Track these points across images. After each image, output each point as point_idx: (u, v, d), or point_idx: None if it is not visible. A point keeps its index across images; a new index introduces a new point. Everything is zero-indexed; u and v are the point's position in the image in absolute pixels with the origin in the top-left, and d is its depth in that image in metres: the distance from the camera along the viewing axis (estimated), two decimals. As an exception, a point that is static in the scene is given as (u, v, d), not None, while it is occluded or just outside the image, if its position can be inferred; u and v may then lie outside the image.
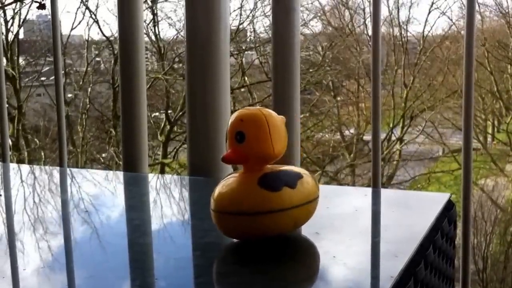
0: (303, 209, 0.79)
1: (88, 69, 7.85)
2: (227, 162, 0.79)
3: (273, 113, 0.79)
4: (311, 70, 7.82)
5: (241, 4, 7.61)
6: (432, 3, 8.29)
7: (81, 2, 7.33)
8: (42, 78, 7.69)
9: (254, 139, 0.77)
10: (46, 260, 0.83)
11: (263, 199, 0.76)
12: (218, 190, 0.79)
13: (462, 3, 7.74)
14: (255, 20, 7.69)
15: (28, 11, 7.25)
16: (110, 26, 7.66)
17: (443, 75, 8.41)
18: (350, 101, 8.65)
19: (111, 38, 7.36)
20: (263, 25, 8.04)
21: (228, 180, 0.80)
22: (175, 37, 7.66)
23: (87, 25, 7.82)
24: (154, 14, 7.42)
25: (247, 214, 0.76)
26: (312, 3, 8.16)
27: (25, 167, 1.71)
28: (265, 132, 0.77)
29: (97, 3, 8.27)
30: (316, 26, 8.76)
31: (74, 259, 0.86)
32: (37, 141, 7.48)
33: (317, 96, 8.22)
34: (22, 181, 1.28)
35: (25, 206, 1.07)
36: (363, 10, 8.41)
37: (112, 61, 7.43)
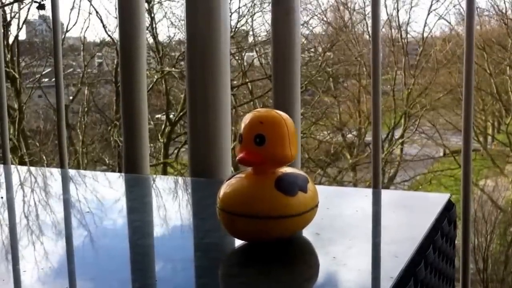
0: (311, 213, 0.79)
1: (90, 70, 7.86)
2: (244, 164, 0.77)
3: (289, 116, 0.79)
4: (312, 72, 7.81)
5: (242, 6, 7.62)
6: (431, 6, 8.32)
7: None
8: (44, 80, 7.69)
9: (274, 142, 0.76)
10: (47, 262, 0.83)
11: (280, 204, 0.75)
12: (226, 189, 0.78)
13: (461, 7, 7.76)
14: (253, 19, 7.70)
15: (28, 11, 7.25)
16: (111, 27, 7.66)
17: (443, 75, 8.43)
18: (350, 101, 8.65)
19: (114, 38, 7.36)
20: (261, 24, 8.05)
21: (236, 179, 0.78)
22: (176, 37, 7.67)
23: (86, 26, 7.83)
24: (152, 16, 7.42)
25: (261, 217, 0.75)
26: (310, 3, 8.17)
27: (26, 169, 1.72)
28: (284, 135, 0.76)
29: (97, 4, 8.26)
30: (316, 26, 8.77)
31: (74, 260, 0.86)
32: (37, 143, 7.47)
33: (318, 97, 8.22)
34: (23, 183, 1.28)
35: (26, 208, 1.07)
36: (364, 10, 8.41)
37: (115, 62, 7.43)
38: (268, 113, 0.78)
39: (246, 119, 0.78)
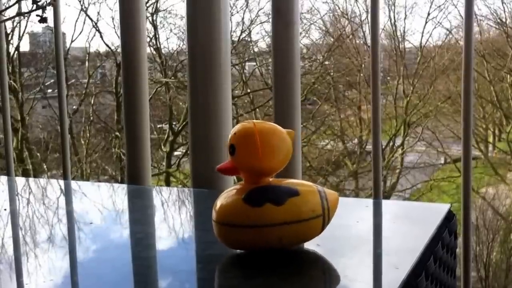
0: (289, 227, 0.78)
1: (92, 80, 7.87)
2: (220, 172, 0.81)
3: (270, 128, 0.79)
4: (313, 81, 7.83)
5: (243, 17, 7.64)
6: (428, 14, 8.35)
7: (81, 10, 7.36)
8: (49, 90, 7.72)
9: (243, 152, 0.78)
10: (50, 274, 0.84)
11: (244, 214, 0.78)
12: (218, 200, 0.81)
13: (460, 14, 7.78)
14: (252, 30, 7.73)
15: (26, 23, 7.27)
16: (112, 37, 7.70)
17: (441, 83, 8.44)
18: (352, 110, 8.66)
19: (114, 49, 7.39)
20: (261, 35, 8.08)
21: (228, 191, 0.82)
22: (178, 47, 7.71)
23: (87, 38, 7.86)
24: (155, 27, 7.45)
25: (235, 226, 0.79)
26: (309, 12, 8.21)
27: (29, 180, 1.73)
28: (253, 146, 0.78)
29: (97, 16, 8.27)
30: (317, 37, 8.79)
31: (77, 272, 0.87)
32: (39, 154, 7.48)
33: (319, 106, 8.23)
34: (26, 195, 1.29)
35: (30, 220, 1.08)
36: (361, 20, 8.44)
37: (115, 72, 7.45)
38: (242, 124, 0.80)
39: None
